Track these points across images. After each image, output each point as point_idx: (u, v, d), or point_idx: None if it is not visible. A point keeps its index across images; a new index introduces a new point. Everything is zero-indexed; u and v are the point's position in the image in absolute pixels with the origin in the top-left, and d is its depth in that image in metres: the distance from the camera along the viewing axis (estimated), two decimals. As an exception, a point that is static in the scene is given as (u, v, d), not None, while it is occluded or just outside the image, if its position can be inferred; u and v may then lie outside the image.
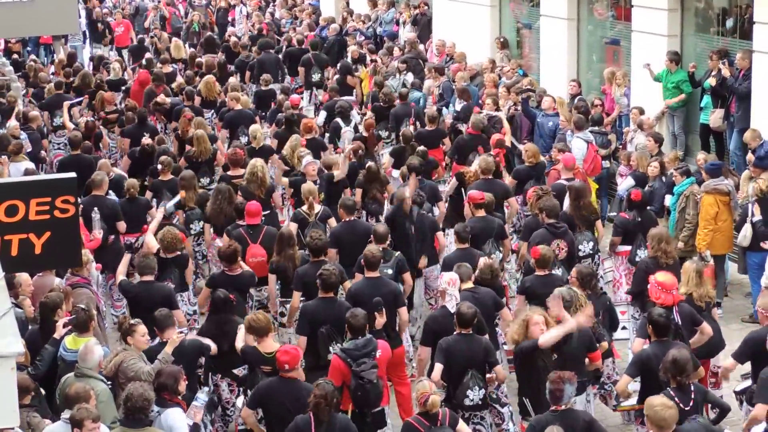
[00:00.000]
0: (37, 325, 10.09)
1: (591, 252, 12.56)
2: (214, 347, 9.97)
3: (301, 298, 11.01)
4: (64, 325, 9.45)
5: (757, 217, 12.95)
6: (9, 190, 6.97)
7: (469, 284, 10.39)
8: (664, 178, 14.13)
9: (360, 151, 15.44)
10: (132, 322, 9.50)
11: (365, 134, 17.05)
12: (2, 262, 6.24)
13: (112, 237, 13.46)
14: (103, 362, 9.18)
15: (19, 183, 7.40)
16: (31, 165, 15.19)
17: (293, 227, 12.59)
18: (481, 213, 12.46)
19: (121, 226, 13.60)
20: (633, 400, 9.59)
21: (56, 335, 9.36)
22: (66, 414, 8.12)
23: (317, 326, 10.09)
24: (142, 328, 9.43)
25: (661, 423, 7.80)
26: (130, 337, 9.37)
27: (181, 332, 9.57)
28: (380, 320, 10.08)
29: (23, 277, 10.26)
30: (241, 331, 10.03)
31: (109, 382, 9.12)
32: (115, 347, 9.97)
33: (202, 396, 9.14)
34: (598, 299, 10.52)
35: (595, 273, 10.93)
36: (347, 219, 12.39)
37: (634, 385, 9.44)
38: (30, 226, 6.85)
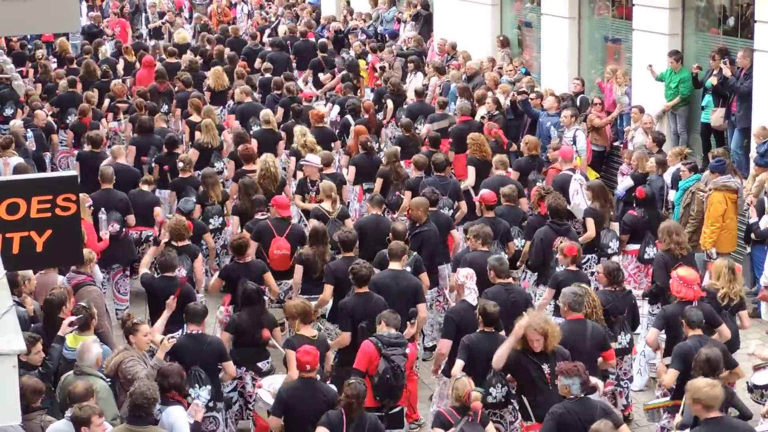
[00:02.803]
0: (41, 322, 10.12)
1: (617, 249, 12.70)
2: (232, 367, 9.94)
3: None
4: (71, 324, 9.44)
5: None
6: (10, 187, 6.96)
7: (506, 280, 10.44)
8: (665, 175, 14.15)
9: (369, 143, 15.49)
10: (135, 321, 9.53)
11: (366, 116, 17.20)
12: (3, 260, 6.23)
13: (124, 230, 13.50)
14: (102, 360, 9.19)
15: (21, 181, 7.39)
16: (21, 160, 15.15)
17: (316, 223, 12.58)
18: (491, 214, 12.48)
19: (131, 219, 13.66)
20: (664, 398, 9.63)
21: (61, 333, 9.36)
22: (70, 411, 8.13)
23: (357, 321, 10.17)
24: (144, 328, 9.44)
25: (711, 402, 7.82)
26: (132, 336, 9.39)
27: (172, 337, 9.52)
28: (410, 330, 10.19)
29: (28, 273, 10.27)
30: (278, 333, 10.40)
31: (108, 380, 9.13)
32: (119, 345, 9.97)
33: (203, 394, 9.16)
34: (624, 296, 10.57)
35: (621, 269, 11.02)
36: (374, 213, 12.51)
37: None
38: (31, 224, 6.84)
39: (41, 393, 8.49)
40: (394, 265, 10.84)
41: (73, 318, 9.43)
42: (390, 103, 18.61)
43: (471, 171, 14.86)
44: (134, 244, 13.82)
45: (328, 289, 11.14)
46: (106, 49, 23.61)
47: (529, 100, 17.35)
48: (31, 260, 7.18)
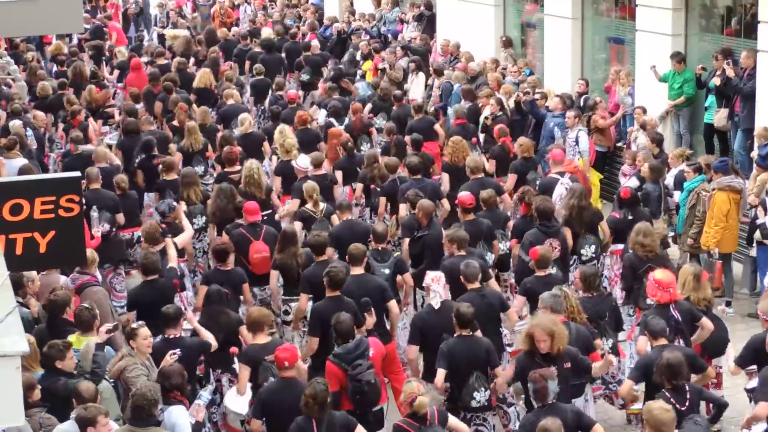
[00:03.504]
0: (44, 324, 10.12)
1: (593, 255, 12.55)
2: (214, 343, 9.94)
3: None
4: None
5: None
6: (13, 189, 6.96)
7: (476, 285, 10.33)
8: (668, 176, 14.14)
9: (349, 143, 15.51)
10: (134, 325, 9.46)
11: (353, 117, 17.20)
12: (7, 261, 6.24)
13: (113, 230, 13.53)
14: (106, 361, 9.19)
15: (24, 182, 7.39)
16: (25, 161, 15.17)
17: (298, 225, 12.62)
18: (470, 216, 12.35)
19: (121, 218, 13.70)
20: (640, 404, 9.60)
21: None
22: (74, 413, 8.13)
23: (328, 326, 10.07)
24: (144, 332, 9.36)
25: (660, 427, 7.81)
26: (132, 341, 9.31)
27: (174, 353, 9.38)
28: (370, 320, 10.11)
29: (32, 274, 10.27)
30: (244, 330, 10.17)
31: (112, 381, 9.13)
32: (123, 347, 9.95)
33: (205, 394, 9.15)
34: (604, 300, 10.51)
35: (599, 273, 10.92)
36: (345, 218, 12.41)
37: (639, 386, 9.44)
38: (34, 225, 6.84)
39: (34, 388, 8.48)
40: (355, 270, 10.72)
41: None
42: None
43: (445, 177, 14.79)
44: (126, 245, 13.85)
45: (304, 298, 11.10)
46: (124, 51, 23.63)
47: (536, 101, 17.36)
48: (35, 261, 7.17)
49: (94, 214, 12.99)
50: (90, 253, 11.01)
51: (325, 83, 20.34)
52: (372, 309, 10.24)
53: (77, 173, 7.44)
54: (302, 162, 14.31)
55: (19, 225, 6.81)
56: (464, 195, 12.51)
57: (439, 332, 9.73)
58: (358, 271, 10.74)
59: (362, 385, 9.15)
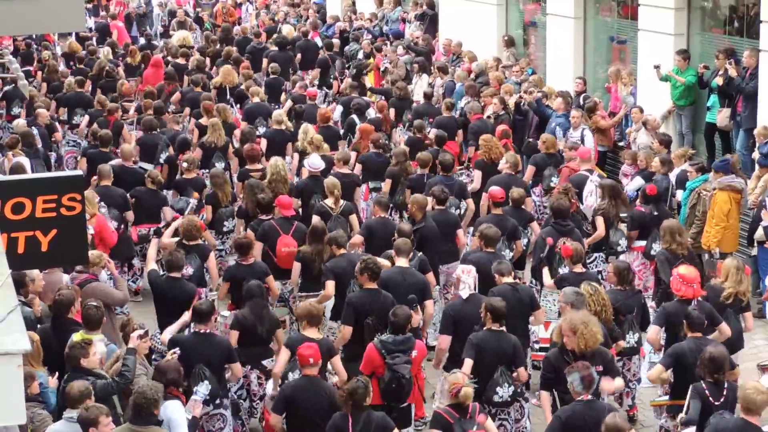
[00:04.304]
0: (46, 323, 10.11)
1: (626, 248, 12.80)
2: (239, 367, 9.93)
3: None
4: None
5: None
6: (16, 187, 6.96)
7: (510, 279, 10.42)
8: (670, 175, 14.14)
9: (381, 140, 15.52)
10: (135, 326, 9.49)
11: (379, 115, 17.24)
12: (9, 259, 6.23)
13: (122, 227, 13.56)
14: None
15: (26, 180, 7.40)
16: (25, 160, 15.14)
17: (316, 220, 12.62)
18: (499, 211, 12.49)
19: (130, 215, 13.72)
20: (666, 396, 9.63)
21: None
22: (69, 413, 8.13)
23: (363, 317, 10.17)
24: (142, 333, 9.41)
25: (751, 406, 7.88)
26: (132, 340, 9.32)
27: (174, 352, 9.41)
28: (416, 317, 10.14)
29: (35, 273, 10.27)
30: (280, 334, 10.47)
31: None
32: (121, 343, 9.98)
33: (201, 390, 9.16)
34: (634, 296, 10.57)
35: (631, 268, 11.02)
36: (381, 216, 12.51)
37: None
38: (36, 224, 6.84)
39: (33, 379, 8.48)
40: (401, 262, 10.86)
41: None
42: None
43: (477, 174, 14.85)
44: (141, 240, 13.94)
45: (330, 284, 11.12)
46: (108, 51, 23.69)
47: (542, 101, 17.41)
48: (37, 260, 7.18)
49: (103, 210, 13.02)
50: (99, 256, 11.08)
51: (343, 80, 20.43)
52: (418, 306, 10.33)
53: (79, 172, 7.44)
54: (313, 162, 14.26)
55: (21, 223, 6.81)
56: (495, 189, 12.68)
57: (469, 323, 9.82)
58: (403, 263, 10.83)
59: (398, 377, 9.22)
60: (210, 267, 12.00)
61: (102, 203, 13.14)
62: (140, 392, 8.08)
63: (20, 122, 17.33)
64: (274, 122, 16.79)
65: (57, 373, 9.22)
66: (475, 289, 10.28)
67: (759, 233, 12.96)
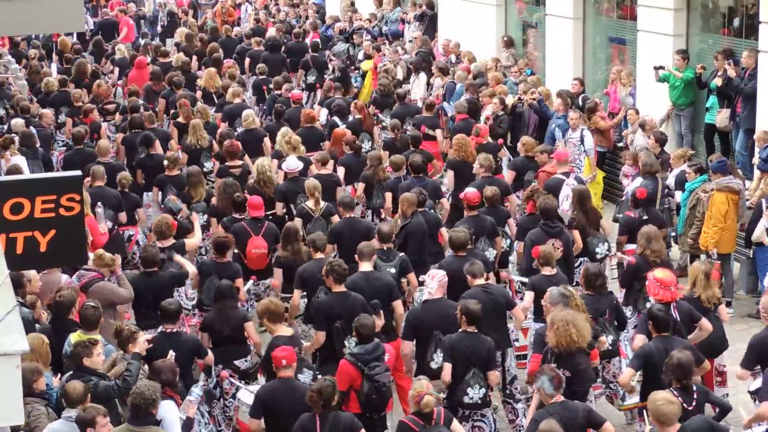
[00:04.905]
0: (45, 324, 10.12)
1: (607, 252, 12.62)
2: (210, 356, 10.07)
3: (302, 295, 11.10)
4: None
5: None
6: (14, 187, 6.96)
7: (481, 281, 10.37)
8: (669, 176, 14.12)
9: (356, 142, 15.51)
10: (132, 329, 9.45)
11: (359, 116, 17.20)
12: (7, 260, 6.23)
13: (115, 228, 13.60)
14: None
15: (25, 181, 7.39)
16: (21, 160, 15.13)
17: (297, 222, 12.63)
18: (473, 213, 12.41)
19: (123, 216, 13.78)
20: (635, 398, 9.60)
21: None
22: (67, 412, 8.13)
23: (332, 321, 10.15)
24: (141, 334, 9.39)
25: (662, 418, 7.83)
26: (131, 345, 9.25)
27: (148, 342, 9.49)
28: (379, 322, 10.09)
29: (32, 273, 10.27)
30: (250, 326, 10.31)
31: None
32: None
33: (196, 390, 9.18)
34: (604, 298, 10.51)
35: (602, 273, 10.94)
36: (347, 216, 12.43)
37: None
38: (35, 224, 6.84)
39: (40, 374, 8.47)
40: (364, 267, 10.78)
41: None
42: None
43: (450, 174, 14.79)
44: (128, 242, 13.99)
45: (297, 293, 11.15)
46: (123, 49, 23.73)
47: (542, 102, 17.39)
48: (35, 260, 7.17)
49: (99, 210, 13.03)
50: (110, 257, 11.10)
51: (331, 82, 20.34)
52: (381, 311, 10.28)
53: (78, 172, 7.43)
54: (290, 163, 14.19)
55: (19, 224, 6.80)
56: (471, 192, 12.60)
57: (428, 327, 9.80)
58: (366, 267, 10.76)
59: (380, 386, 9.18)
60: (183, 263, 11.80)
61: (99, 203, 13.13)
62: (138, 392, 8.08)
63: (18, 122, 17.28)
64: (243, 122, 16.72)
65: (59, 374, 9.23)
66: (443, 294, 10.24)
67: (756, 234, 12.96)
